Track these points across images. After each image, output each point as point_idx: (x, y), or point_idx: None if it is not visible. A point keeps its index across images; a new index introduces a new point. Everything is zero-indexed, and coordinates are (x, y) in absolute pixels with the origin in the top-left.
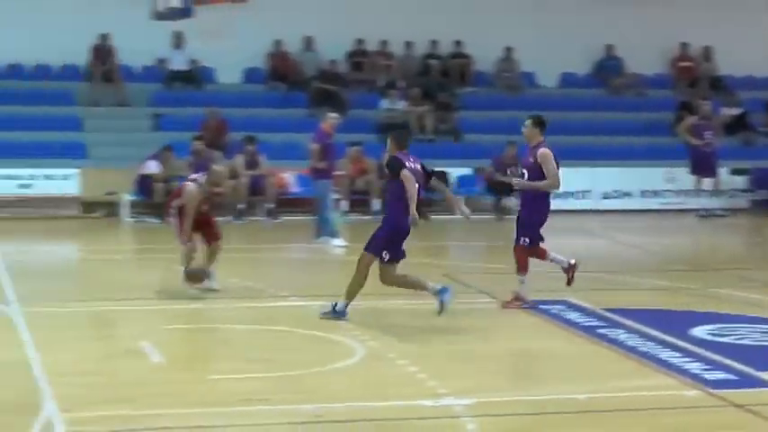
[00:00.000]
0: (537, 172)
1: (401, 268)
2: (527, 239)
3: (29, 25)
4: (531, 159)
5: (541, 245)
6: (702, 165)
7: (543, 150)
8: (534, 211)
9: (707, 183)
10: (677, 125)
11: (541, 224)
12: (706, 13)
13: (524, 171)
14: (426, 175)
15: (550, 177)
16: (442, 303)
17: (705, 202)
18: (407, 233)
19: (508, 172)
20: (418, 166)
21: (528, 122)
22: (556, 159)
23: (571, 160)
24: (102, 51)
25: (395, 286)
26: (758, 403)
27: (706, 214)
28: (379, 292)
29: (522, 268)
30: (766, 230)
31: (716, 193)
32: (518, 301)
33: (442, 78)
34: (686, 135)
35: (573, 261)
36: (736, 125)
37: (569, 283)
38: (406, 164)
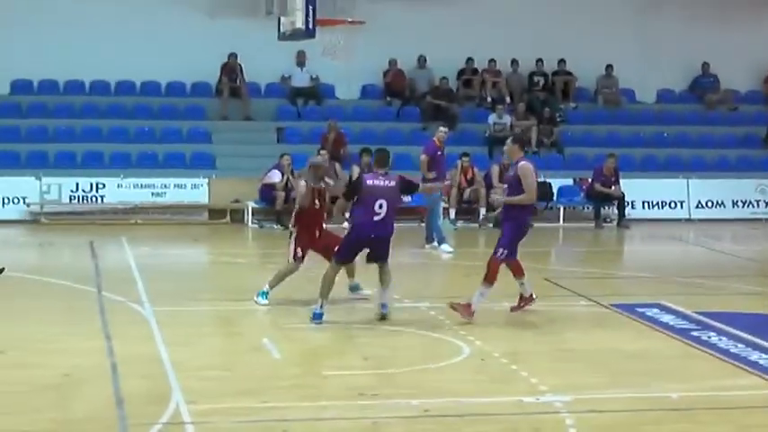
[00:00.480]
0: (518, 186)
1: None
2: (505, 252)
3: (164, 46)
4: (512, 174)
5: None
6: None
7: (523, 164)
8: (515, 226)
9: None
10: None
11: (521, 238)
12: None
13: (505, 186)
14: (407, 187)
15: (528, 191)
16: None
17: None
18: (367, 242)
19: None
20: (391, 183)
21: (509, 141)
22: (536, 173)
23: (667, 171)
24: (231, 69)
25: (325, 281)
26: None
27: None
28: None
29: (489, 279)
30: None
31: None
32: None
33: (546, 94)
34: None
35: (534, 295)
36: None
37: (514, 309)
38: (367, 182)
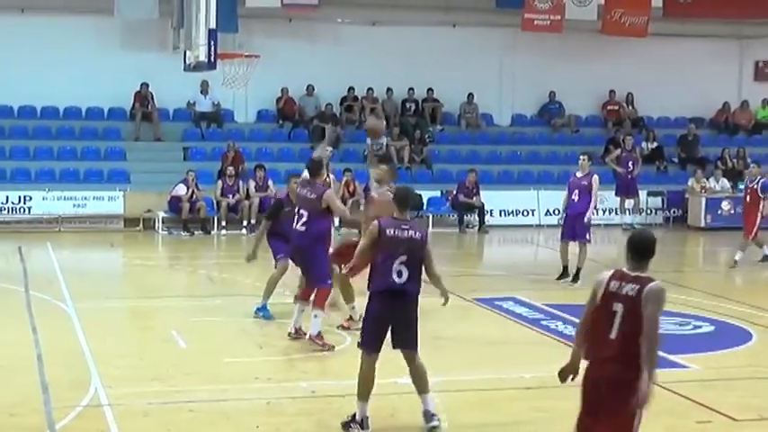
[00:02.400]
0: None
1: None
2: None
3: (85, 75)
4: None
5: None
6: (626, 188)
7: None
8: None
9: (629, 203)
10: (606, 156)
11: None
12: (629, 66)
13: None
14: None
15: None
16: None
17: (628, 218)
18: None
19: None
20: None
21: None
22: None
23: (520, 184)
24: (143, 96)
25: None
26: (670, 381)
27: (628, 228)
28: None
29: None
30: (678, 242)
31: (636, 211)
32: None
33: (416, 119)
34: (613, 164)
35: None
36: (653, 156)
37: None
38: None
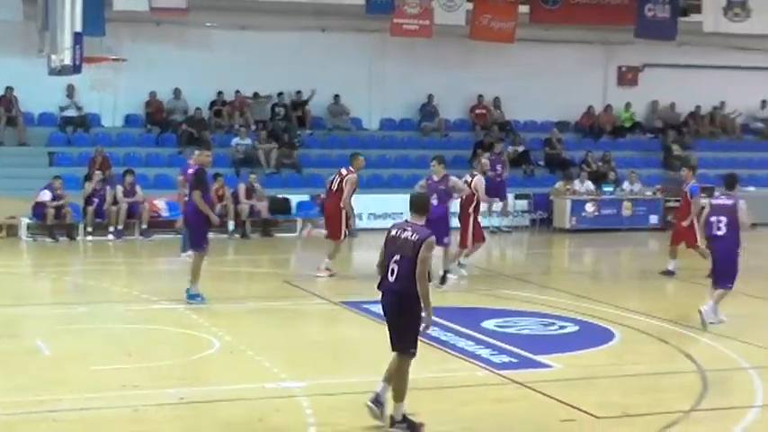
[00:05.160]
0: None
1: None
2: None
3: None
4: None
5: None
6: (495, 191)
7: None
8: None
9: (497, 206)
10: (474, 160)
11: None
12: (497, 71)
13: None
14: None
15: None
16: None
17: (495, 220)
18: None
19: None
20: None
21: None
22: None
23: (390, 188)
24: (7, 101)
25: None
26: (535, 380)
27: (496, 230)
28: (232, 297)
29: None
30: (543, 244)
31: (504, 213)
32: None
33: (286, 123)
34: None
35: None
36: (520, 160)
37: None
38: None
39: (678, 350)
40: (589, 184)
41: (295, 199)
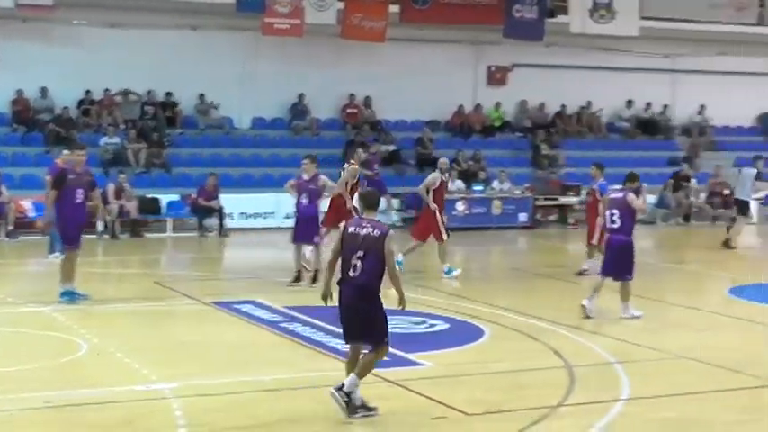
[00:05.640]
0: None
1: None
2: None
3: None
4: None
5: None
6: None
7: None
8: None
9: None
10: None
11: None
12: (368, 70)
13: None
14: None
15: None
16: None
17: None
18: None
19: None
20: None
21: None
22: None
23: (262, 187)
24: None
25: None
26: (406, 378)
27: None
28: (101, 298)
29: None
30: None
31: (389, 210)
32: None
33: (155, 122)
34: (362, 169)
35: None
36: (391, 159)
37: None
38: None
39: (546, 346)
40: (459, 183)
41: (165, 199)
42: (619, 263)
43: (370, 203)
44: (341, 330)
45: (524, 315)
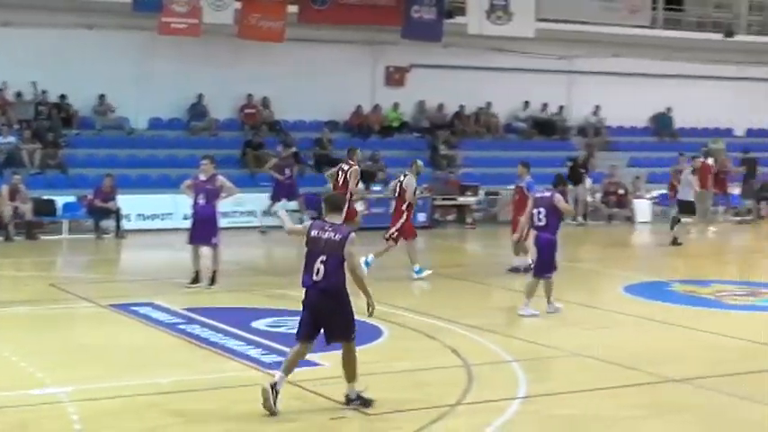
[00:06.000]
0: None
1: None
2: None
3: None
4: None
5: None
6: (284, 193)
7: None
8: None
9: (279, 205)
10: (262, 163)
11: None
12: (267, 71)
13: None
14: None
15: None
16: None
17: (265, 220)
18: None
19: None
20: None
21: None
22: None
23: (159, 188)
24: None
25: None
26: (305, 379)
27: (266, 231)
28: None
29: None
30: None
31: (269, 213)
32: None
33: (50, 122)
34: (272, 171)
35: None
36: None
37: None
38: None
39: (444, 345)
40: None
41: (61, 200)
42: (544, 260)
43: (334, 207)
44: (239, 331)
45: (423, 314)
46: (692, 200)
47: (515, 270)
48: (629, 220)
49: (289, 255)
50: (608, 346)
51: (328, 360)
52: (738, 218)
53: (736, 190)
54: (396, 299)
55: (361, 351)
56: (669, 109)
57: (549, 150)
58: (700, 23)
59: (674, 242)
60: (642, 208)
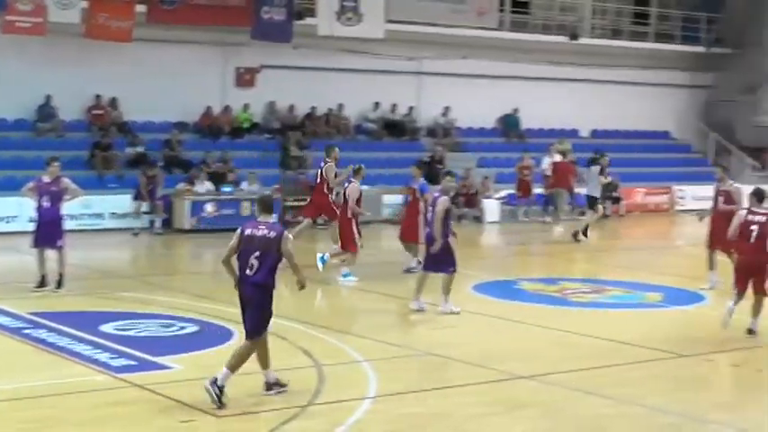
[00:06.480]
0: None
1: None
2: None
3: None
4: None
5: None
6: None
7: None
8: None
9: (136, 206)
10: (110, 165)
11: None
12: (115, 71)
13: None
14: None
15: None
16: None
17: (137, 222)
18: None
19: None
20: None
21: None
22: None
23: (3, 191)
24: None
25: None
26: (155, 382)
27: (138, 232)
28: None
29: None
30: (166, 245)
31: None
32: None
33: None
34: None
35: None
36: (139, 161)
37: None
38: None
39: (296, 346)
40: (209, 185)
41: None
42: (439, 257)
43: (265, 207)
44: (87, 335)
45: (274, 316)
46: (597, 195)
47: (411, 270)
48: (478, 219)
49: (138, 257)
50: (457, 344)
51: (179, 362)
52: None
53: (583, 190)
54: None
55: (212, 353)
56: (516, 110)
57: (399, 151)
58: (545, 26)
59: (577, 237)
60: (491, 208)
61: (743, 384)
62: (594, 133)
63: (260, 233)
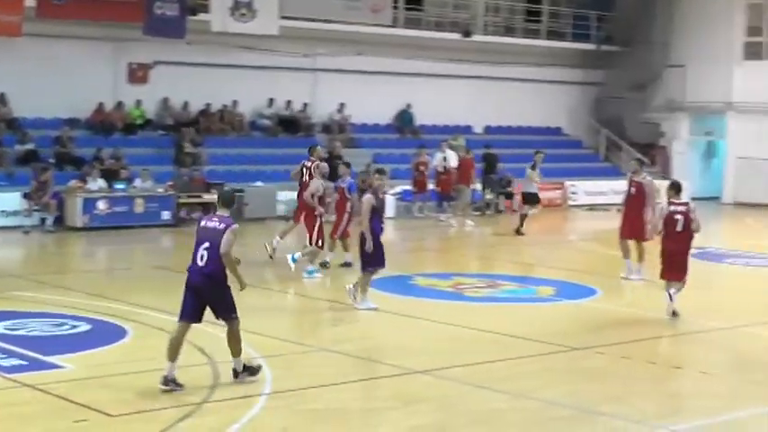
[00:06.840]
0: None
1: None
2: None
3: None
4: None
5: None
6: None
7: None
8: None
9: (27, 204)
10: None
11: None
12: (4, 66)
13: None
14: None
15: None
16: None
17: (29, 220)
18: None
19: None
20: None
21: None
22: None
23: None
24: None
25: None
26: (46, 382)
27: (28, 231)
28: None
29: None
30: (57, 243)
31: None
32: None
33: None
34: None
35: None
36: (28, 158)
37: None
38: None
39: (190, 344)
40: (101, 182)
41: None
42: (369, 256)
43: (225, 202)
44: None
45: (167, 313)
46: (536, 191)
47: (347, 265)
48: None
49: (29, 255)
50: (353, 339)
51: (71, 362)
52: (478, 212)
53: (477, 185)
54: (139, 298)
55: (105, 352)
56: (410, 106)
57: (294, 147)
58: (439, 23)
59: (519, 231)
60: (386, 203)
61: (634, 376)
62: (488, 129)
63: (211, 225)
